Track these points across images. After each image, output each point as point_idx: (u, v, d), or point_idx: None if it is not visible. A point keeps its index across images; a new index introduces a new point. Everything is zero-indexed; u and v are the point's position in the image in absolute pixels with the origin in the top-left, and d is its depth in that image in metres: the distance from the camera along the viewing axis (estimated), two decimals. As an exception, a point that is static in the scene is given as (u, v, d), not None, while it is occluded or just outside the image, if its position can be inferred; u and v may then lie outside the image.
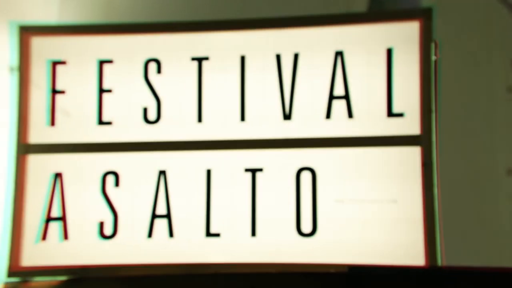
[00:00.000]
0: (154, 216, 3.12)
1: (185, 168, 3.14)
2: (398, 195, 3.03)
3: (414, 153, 3.05)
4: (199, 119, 3.16)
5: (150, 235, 3.11)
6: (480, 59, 3.13)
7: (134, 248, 3.11)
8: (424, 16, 3.08)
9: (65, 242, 3.13)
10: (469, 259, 3.03)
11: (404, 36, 3.10)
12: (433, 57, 3.06)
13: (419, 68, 3.08)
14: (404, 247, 3.01)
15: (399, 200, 3.03)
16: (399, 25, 3.11)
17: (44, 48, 3.23)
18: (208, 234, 3.10)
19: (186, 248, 3.10)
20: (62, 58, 3.23)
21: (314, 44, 3.14)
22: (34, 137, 3.20)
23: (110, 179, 3.15)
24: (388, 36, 3.11)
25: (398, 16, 3.12)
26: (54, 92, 3.22)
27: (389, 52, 3.11)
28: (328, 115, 3.11)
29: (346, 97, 3.11)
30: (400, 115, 3.08)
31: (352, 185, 3.06)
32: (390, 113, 3.08)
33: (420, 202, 3.01)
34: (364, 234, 3.03)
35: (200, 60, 3.18)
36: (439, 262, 2.97)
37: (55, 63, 3.23)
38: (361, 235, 3.03)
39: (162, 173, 3.14)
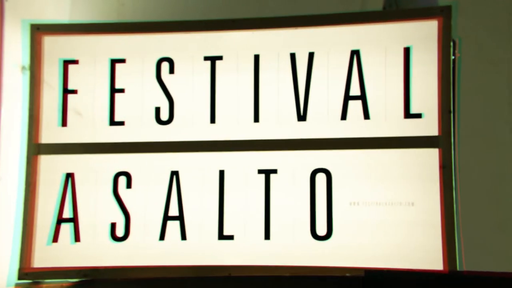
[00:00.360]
0: (166, 217, 3.10)
1: (198, 169, 3.11)
2: (416, 198, 2.99)
3: (432, 155, 3.00)
4: (212, 120, 3.13)
5: (162, 237, 3.08)
6: (499, 57, 3.07)
7: (146, 250, 3.09)
8: (443, 14, 3.03)
9: (77, 244, 3.11)
10: (489, 264, 2.97)
11: (422, 34, 3.05)
12: (452, 56, 3.01)
13: (438, 68, 3.03)
14: (422, 251, 2.96)
15: (417, 203, 2.99)
16: (417, 23, 3.06)
17: (56, 47, 3.22)
18: (221, 236, 3.07)
19: (199, 250, 3.08)
20: (74, 57, 3.21)
21: (330, 43, 3.09)
22: (46, 137, 3.18)
23: (122, 180, 3.13)
24: (405, 35, 3.06)
25: (416, 15, 3.08)
26: (66, 91, 3.20)
27: (407, 51, 3.06)
28: (343, 116, 3.06)
29: (362, 97, 3.06)
30: (418, 116, 3.03)
31: (368, 187, 3.01)
32: (408, 114, 3.03)
33: (439, 205, 2.97)
34: (380, 238, 2.99)
35: (213, 59, 3.15)
36: (458, 267, 2.92)
37: (67, 62, 3.21)
38: (377, 238, 2.99)
39: (175, 174, 3.11)
